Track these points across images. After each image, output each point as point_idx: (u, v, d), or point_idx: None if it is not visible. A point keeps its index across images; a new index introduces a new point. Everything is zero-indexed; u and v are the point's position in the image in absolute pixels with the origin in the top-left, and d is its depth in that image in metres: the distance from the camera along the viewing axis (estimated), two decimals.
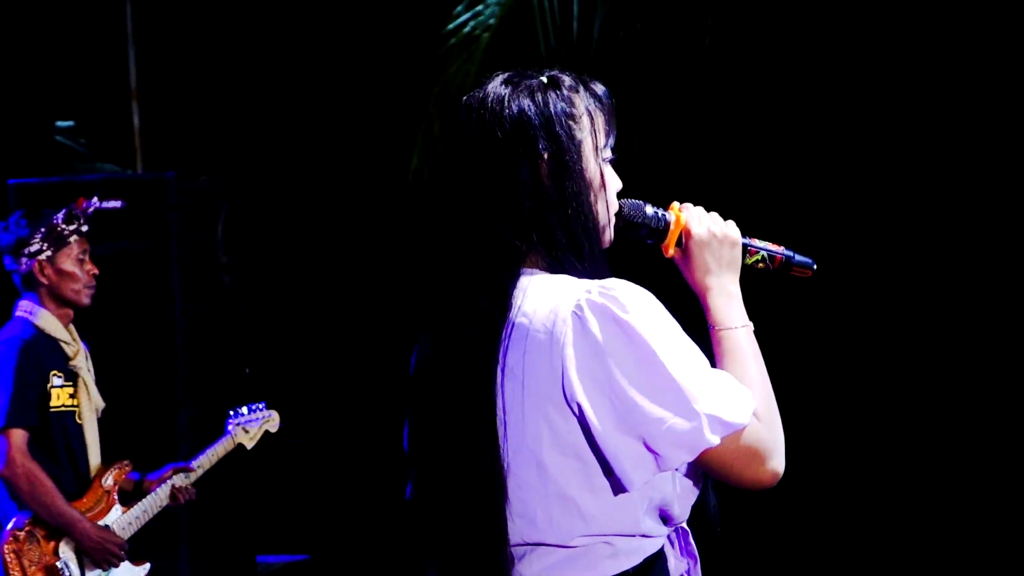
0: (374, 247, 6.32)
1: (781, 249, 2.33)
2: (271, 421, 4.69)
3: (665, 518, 2.16)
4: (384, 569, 6.10)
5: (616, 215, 2.25)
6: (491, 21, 5.59)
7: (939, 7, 5.40)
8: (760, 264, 2.33)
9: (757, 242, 2.33)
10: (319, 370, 6.47)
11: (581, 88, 2.19)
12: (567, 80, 2.19)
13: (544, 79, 2.18)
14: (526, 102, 2.17)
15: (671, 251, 2.29)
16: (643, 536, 2.13)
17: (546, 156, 2.16)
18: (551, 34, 5.44)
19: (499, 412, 2.13)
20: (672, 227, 2.29)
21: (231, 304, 5.66)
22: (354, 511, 6.35)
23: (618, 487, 2.10)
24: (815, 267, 2.35)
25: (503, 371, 2.13)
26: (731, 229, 2.29)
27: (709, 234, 2.27)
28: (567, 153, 2.16)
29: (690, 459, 2.09)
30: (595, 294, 2.09)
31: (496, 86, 2.19)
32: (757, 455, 2.13)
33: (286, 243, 6.44)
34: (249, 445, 4.61)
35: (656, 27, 5.50)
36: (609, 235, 2.24)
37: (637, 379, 2.07)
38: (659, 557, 2.16)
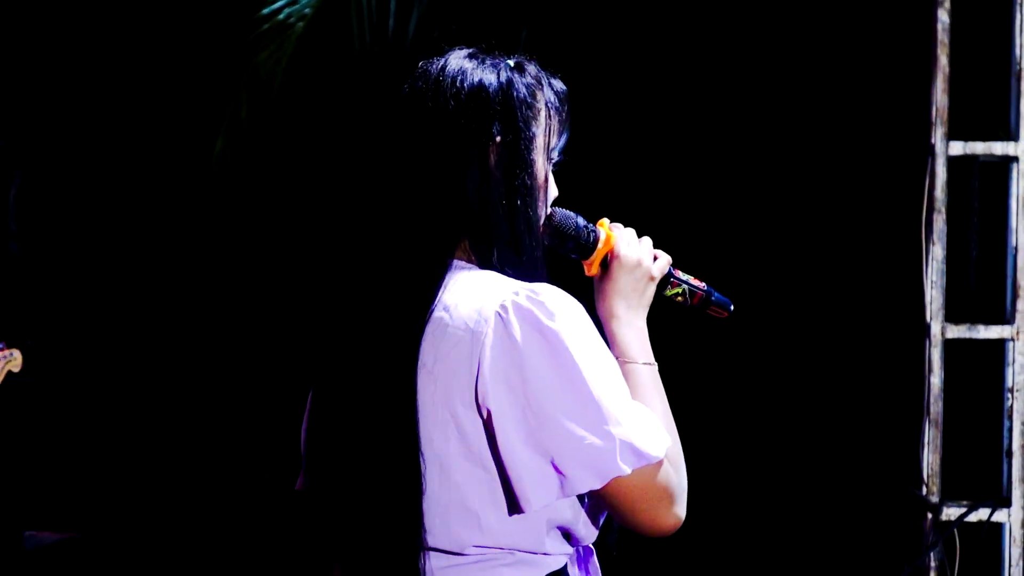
0: (171, 226, 6.24)
1: (703, 285, 2.24)
2: (13, 361, 4.55)
3: (568, 536, 2.05)
4: (158, 549, 6.02)
5: (545, 223, 2.12)
6: (306, 11, 5.55)
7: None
8: (679, 298, 2.23)
9: (681, 274, 2.22)
10: (105, 345, 6.36)
11: (544, 82, 2.09)
12: (532, 69, 2.09)
13: (511, 62, 2.07)
14: (490, 79, 2.04)
15: (594, 270, 2.18)
16: (545, 554, 2.02)
17: (499, 140, 2.04)
18: (367, 29, 5.44)
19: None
20: (601, 245, 2.17)
21: (18, 273, 5.54)
22: (128, 489, 6.26)
23: (515, 506, 1.98)
24: (732, 308, 2.25)
25: (418, 367, 1.99)
26: (659, 262, 2.18)
27: (636, 261, 2.14)
28: (522, 142, 2.04)
29: (597, 486, 1.97)
30: (522, 297, 1.97)
31: (459, 57, 2.07)
32: (664, 496, 2.01)
33: (83, 216, 6.32)
34: None
35: (471, 32, 5.53)
36: None
37: (555, 392, 1.95)
38: (562, 574, 2.06)
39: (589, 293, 2.20)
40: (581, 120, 2.26)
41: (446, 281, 2.03)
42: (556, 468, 1.96)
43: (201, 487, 6.08)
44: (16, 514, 5.61)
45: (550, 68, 2.19)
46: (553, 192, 2.15)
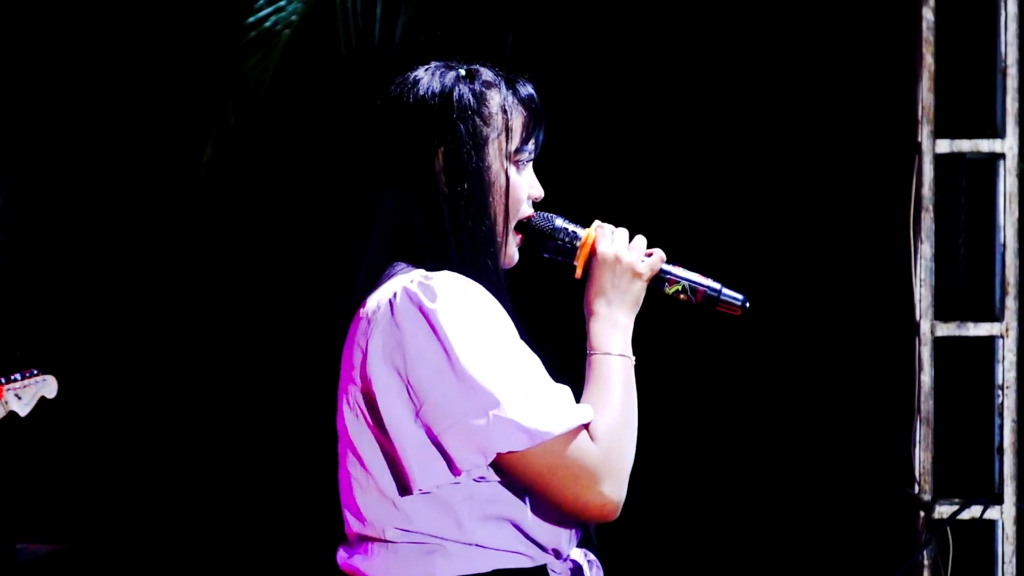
0: (161, 235, 6.23)
1: (708, 282, 2.18)
2: (47, 386, 4.54)
3: (531, 539, 2.04)
4: (148, 559, 6.01)
5: (523, 226, 2.13)
6: (293, 18, 5.55)
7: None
8: (682, 296, 2.18)
9: (680, 271, 2.18)
10: (95, 356, 6.35)
11: (503, 85, 2.10)
12: (487, 74, 2.10)
13: (462, 70, 2.09)
14: (433, 89, 2.07)
15: (580, 271, 2.16)
16: (478, 546, 2.02)
17: (441, 149, 2.05)
18: (353, 36, 5.44)
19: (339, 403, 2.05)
20: (581, 245, 2.15)
21: (6, 284, 5.53)
22: (118, 500, 6.25)
23: (404, 486, 2.00)
24: (746, 305, 2.19)
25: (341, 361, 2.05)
26: (649, 260, 2.15)
27: (614, 257, 2.13)
28: (464, 149, 2.05)
29: (483, 463, 1.98)
30: (414, 283, 2.00)
31: (421, 69, 2.11)
32: (581, 474, 1.99)
33: (71, 226, 6.31)
34: (23, 412, 4.45)
35: (457, 37, 5.53)
36: (511, 249, 2.11)
37: (432, 370, 1.97)
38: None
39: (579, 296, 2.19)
40: (570, 122, 2.26)
41: (381, 282, 2.06)
42: (440, 447, 1.97)
43: (190, 497, 6.07)
44: (8, 527, 5.59)
45: (540, 71, 2.19)
46: (532, 192, 2.14)
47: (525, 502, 2.04)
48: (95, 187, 6.33)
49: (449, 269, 2.05)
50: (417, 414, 1.98)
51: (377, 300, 2.03)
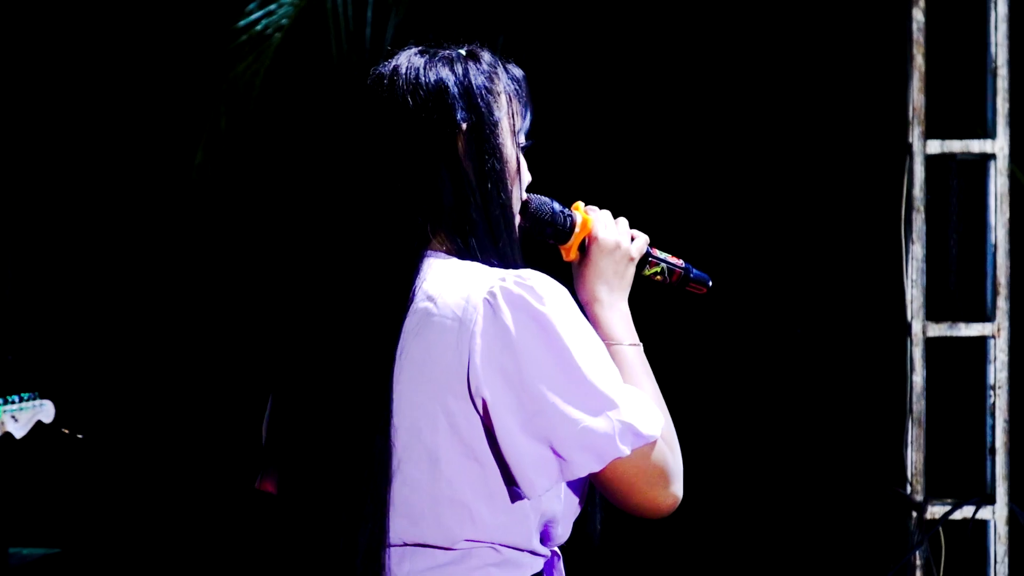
0: (153, 239, 6.23)
1: (680, 262, 2.23)
2: (44, 410, 4.54)
3: (545, 537, 2.03)
4: (140, 562, 6.01)
5: (521, 210, 2.12)
6: (284, 21, 5.55)
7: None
8: (658, 277, 2.23)
9: (659, 253, 2.22)
10: (86, 359, 6.35)
11: (500, 67, 2.09)
12: (487, 56, 2.09)
13: (463, 52, 2.08)
14: (445, 71, 2.05)
15: (572, 255, 2.17)
16: (532, 553, 2.00)
17: (464, 127, 2.03)
18: (343, 39, 5.44)
19: (394, 403, 1.96)
20: (578, 229, 2.17)
21: None
22: (109, 504, 6.24)
23: (516, 494, 1.95)
24: (710, 284, 2.25)
25: (400, 359, 1.96)
26: (636, 242, 2.18)
27: (614, 243, 2.14)
28: (487, 127, 2.04)
29: (597, 468, 1.95)
30: (510, 283, 1.95)
31: (410, 56, 2.08)
32: (661, 476, 1.99)
33: (62, 229, 6.30)
34: (18, 434, 4.45)
35: (448, 40, 5.54)
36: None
37: (550, 376, 1.93)
38: None
39: (566, 277, 2.18)
40: (561, 122, 2.26)
41: (422, 272, 2.01)
42: (556, 452, 1.94)
43: (184, 500, 6.07)
44: (0, 530, 5.59)
45: (532, 73, 2.19)
46: (527, 178, 2.14)
47: (560, 504, 2.03)
48: (86, 190, 6.33)
49: (480, 249, 2.02)
50: (531, 421, 1.93)
51: (464, 299, 1.95)
